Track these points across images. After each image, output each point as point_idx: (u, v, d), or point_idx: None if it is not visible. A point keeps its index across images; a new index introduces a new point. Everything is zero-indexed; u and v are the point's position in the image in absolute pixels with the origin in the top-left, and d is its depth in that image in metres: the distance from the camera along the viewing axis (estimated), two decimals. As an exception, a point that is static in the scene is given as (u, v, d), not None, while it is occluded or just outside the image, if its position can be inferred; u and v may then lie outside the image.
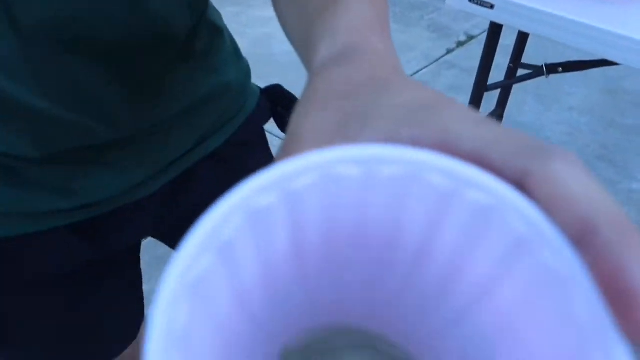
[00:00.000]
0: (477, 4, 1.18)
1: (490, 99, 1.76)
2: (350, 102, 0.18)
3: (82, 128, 0.35)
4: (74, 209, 0.40)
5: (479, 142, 0.15)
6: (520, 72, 1.63)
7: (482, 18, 1.23)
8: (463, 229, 0.15)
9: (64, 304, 0.46)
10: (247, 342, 0.18)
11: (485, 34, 1.43)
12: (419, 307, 0.19)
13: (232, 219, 0.14)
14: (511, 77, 1.68)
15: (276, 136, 1.69)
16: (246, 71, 0.54)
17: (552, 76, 1.48)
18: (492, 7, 1.16)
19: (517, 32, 1.61)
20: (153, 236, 0.54)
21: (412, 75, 2.24)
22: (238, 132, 0.54)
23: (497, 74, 1.67)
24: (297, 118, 0.19)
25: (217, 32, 0.47)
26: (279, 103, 0.57)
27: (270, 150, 0.60)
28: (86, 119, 0.35)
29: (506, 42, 1.65)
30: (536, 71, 1.51)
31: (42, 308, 0.45)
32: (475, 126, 0.16)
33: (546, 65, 1.47)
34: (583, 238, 0.13)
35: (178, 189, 0.49)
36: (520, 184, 0.14)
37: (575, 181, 0.13)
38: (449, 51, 2.43)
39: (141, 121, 0.39)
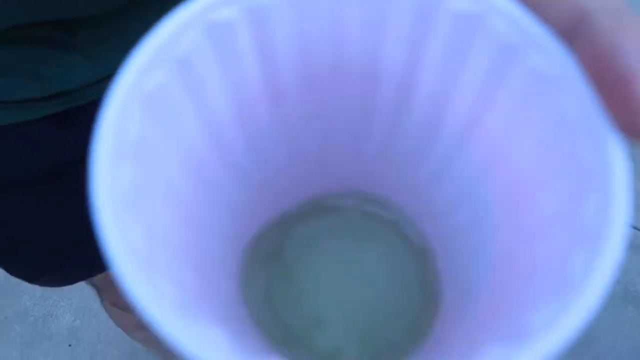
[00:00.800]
0: None
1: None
2: None
3: None
4: (48, 97, 0.38)
5: None
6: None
7: None
8: (447, 46, 0.14)
9: (50, 205, 0.46)
10: (230, 191, 0.17)
11: None
12: (407, 156, 0.19)
13: (187, 32, 0.12)
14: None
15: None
16: None
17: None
18: None
19: None
20: None
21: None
22: None
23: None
24: None
25: None
26: None
27: None
28: None
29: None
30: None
31: (27, 210, 0.45)
32: None
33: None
34: (575, 31, 0.12)
35: None
36: None
37: None
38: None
39: None
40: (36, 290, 1.06)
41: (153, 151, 0.12)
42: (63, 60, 0.37)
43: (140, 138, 0.12)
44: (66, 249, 0.49)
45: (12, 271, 0.50)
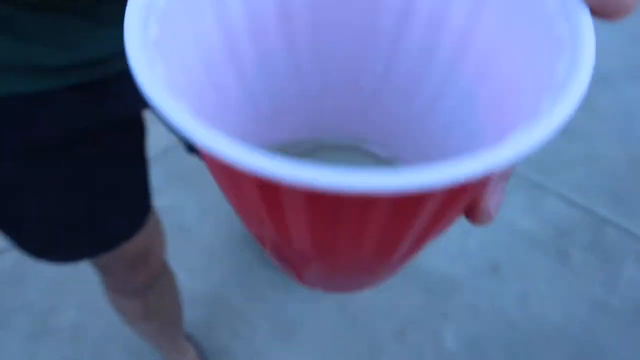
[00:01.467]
0: None
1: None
2: None
3: None
4: (74, 66, 0.40)
5: None
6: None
7: None
8: None
9: (67, 176, 0.46)
10: (236, 100, 0.18)
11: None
12: (405, 85, 0.19)
13: None
14: None
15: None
16: None
17: None
18: None
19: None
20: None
21: None
22: None
23: None
24: None
25: None
26: None
27: None
28: None
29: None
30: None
31: (45, 179, 0.45)
32: None
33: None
34: None
35: None
36: None
37: None
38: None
39: None
40: (42, 283, 1.07)
41: (174, 31, 0.13)
42: (88, 30, 0.38)
43: (166, 11, 0.13)
44: (78, 221, 0.49)
45: (22, 244, 0.50)
